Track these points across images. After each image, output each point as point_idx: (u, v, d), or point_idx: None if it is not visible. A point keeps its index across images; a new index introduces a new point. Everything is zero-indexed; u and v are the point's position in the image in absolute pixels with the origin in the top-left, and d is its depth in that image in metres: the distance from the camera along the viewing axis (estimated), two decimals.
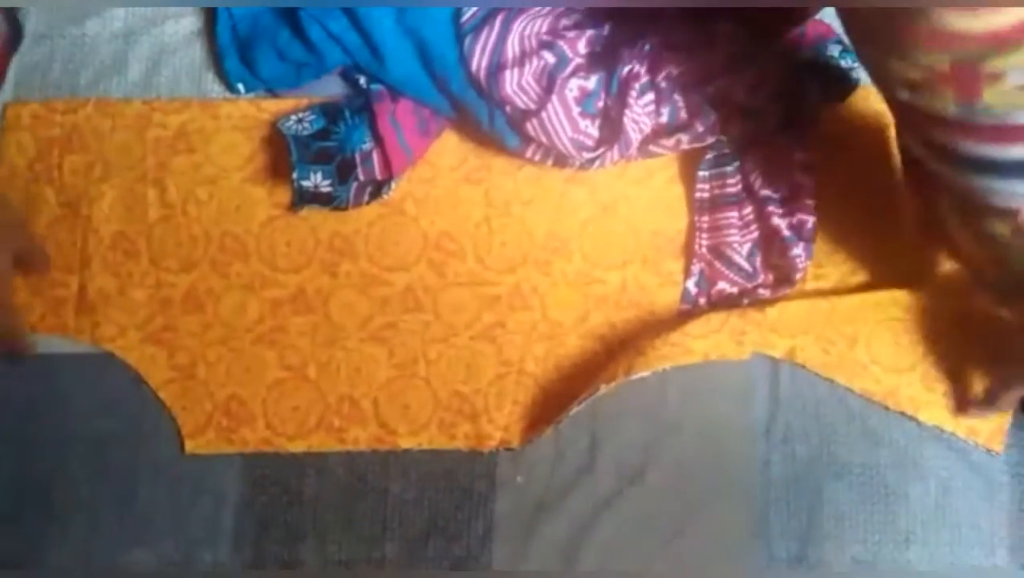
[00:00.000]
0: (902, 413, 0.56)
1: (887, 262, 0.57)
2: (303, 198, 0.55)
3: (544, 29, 0.55)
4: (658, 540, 0.55)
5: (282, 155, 0.58)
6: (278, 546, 0.56)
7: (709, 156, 0.56)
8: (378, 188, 0.56)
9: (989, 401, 0.53)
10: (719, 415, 0.56)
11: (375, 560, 0.55)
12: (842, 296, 0.56)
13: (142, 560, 0.55)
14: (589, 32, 0.56)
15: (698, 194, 0.57)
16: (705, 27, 0.55)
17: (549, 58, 0.54)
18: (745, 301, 0.57)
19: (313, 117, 0.57)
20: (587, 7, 0.57)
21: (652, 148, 0.56)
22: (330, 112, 0.57)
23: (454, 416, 0.56)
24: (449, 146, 0.59)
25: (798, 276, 0.56)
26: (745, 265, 0.56)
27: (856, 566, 0.55)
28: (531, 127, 0.54)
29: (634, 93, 0.54)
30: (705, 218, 0.57)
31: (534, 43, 0.55)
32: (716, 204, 0.57)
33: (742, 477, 0.56)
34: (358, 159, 0.55)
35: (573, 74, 0.54)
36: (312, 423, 0.56)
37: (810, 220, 0.55)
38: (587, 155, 0.55)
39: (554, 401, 0.56)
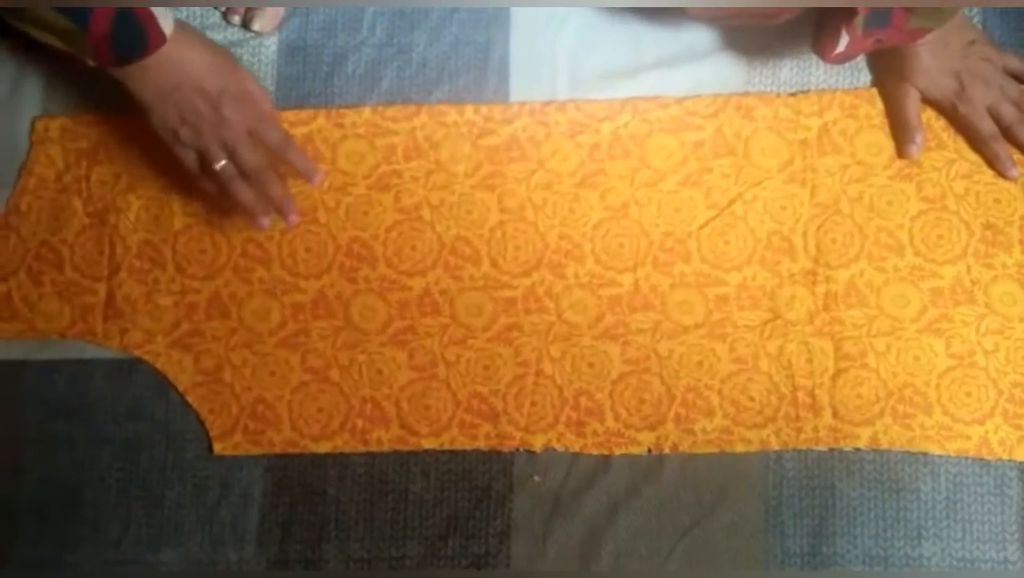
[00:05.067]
0: (999, 459, 0.56)
1: (892, 259, 0.59)
2: None
3: None
4: (673, 537, 0.56)
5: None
6: (301, 545, 0.57)
7: None
8: None
9: None
10: None
11: (396, 559, 0.57)
12: (881, 355, 0.57)
13: (170, 559, 0.57)
14: None
15: None
16: None
17: None
18: None
19: None
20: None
21: None
22: None
23: (474, 417, 0.58)
24: (463, 153, 0.61)
25: None
26: None
27: (868, 561, 0.56)
28: None
29: None
30: None
31: None
32: None
33: (755, 474, 0.57)
34: None
35: None
36: (336, 425, 0.58)
37: None
38: None
39: (571, 401, 0.58)
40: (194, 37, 0.54)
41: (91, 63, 0.51)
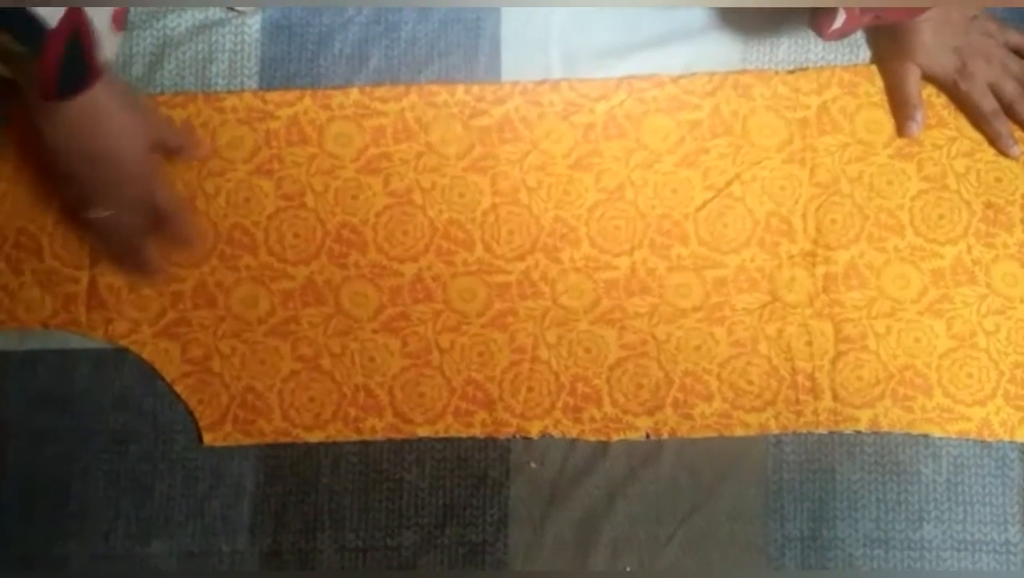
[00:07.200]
0: (1000, 441, 0.55)
1: (892, 239, 0.58)
2: None
3: None
4: (672, 523, 0.56)
5: (288, 146, 0.59)
6: (295, 536, 0.56)
7: None
8: None
9: None
10: None
11: (391, 548, 0.56)
12: (881, 337, 0.56)
13: (160, 552, 0.56)
14: None
15: None
16: None
17: None
18: None
19: None
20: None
21: None
22: None
23: (469, 404, 0.57)
24: (454, 135, 0.59)
25: None
26: None
27: (869, 544, 0.55)
28: None
29: None
30: None
31: None
32: None
33: (755, 458, 0.56)
34: None
35: None
36: (328, 414, 0.57)
37: None
38: None
39: (568, 387, 0.57)
40: (118, 88, 0.52)
41: (25, 96, 0.49)
